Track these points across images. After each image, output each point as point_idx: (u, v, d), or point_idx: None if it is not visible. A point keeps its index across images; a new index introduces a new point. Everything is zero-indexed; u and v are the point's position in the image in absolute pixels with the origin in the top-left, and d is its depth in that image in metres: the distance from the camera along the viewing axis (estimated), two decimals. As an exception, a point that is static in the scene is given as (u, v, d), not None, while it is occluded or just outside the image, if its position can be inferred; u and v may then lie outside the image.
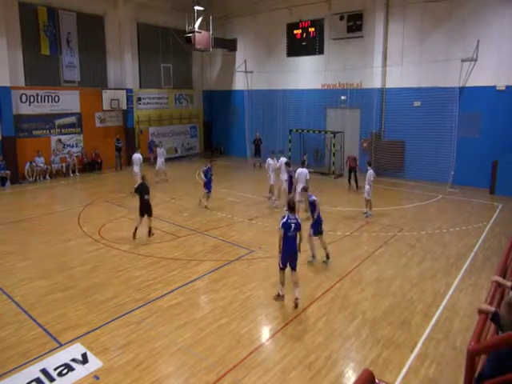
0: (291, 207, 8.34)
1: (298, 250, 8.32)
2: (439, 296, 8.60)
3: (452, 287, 9.01)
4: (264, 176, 21.32)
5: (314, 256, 10.41)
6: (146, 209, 12.20)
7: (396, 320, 7.65)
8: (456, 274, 9.70)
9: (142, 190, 12.15)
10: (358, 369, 6.32)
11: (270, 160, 16.00)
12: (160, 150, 20.38)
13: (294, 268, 8.30)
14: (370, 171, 13.98)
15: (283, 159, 15.86)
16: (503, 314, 3.48)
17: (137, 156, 18.03)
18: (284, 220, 8.16)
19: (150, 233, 12.33)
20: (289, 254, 8.21)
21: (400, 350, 6.73)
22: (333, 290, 8.88)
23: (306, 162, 14.84)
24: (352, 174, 18.56)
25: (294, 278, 8.27)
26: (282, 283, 8.44)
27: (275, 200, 15.64)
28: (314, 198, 10.48)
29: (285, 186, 15.13)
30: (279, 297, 8.50)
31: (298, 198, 13.39)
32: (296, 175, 14.05)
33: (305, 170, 13.94)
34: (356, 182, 18.42)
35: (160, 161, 19.98)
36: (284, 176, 15.27)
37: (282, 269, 8.33)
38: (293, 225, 8.14)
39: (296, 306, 8.11)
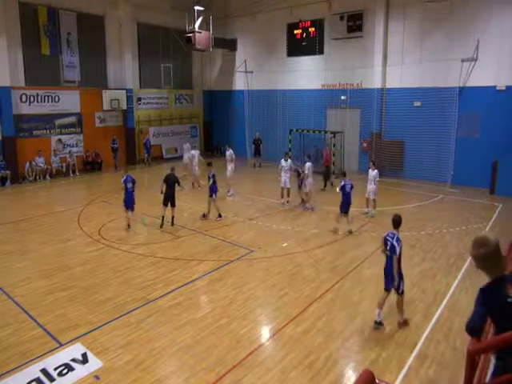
0: (395, 223, 7.37)
1: (393, 273, 7.25)
2: (439, 296, 8.61)
3: (452, 287, 9.02)
4: (263, 176, 21.35)
5: (349, 231, 12.50)
6: (170, 199, 13.00)
7: (396, 320, 7.63)
8: (456, 274, 9.71)
9: (168, 181, 12.97)
10: (358, 369, 6.32)
11: (283, 161, 15.67)
12: (195, 152, 19.15)
13: (395, 291, 7.45)
14: (376, 171, 14.03)
15: (308, 164, 15.01)
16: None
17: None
18: (384, 235, 7.47)
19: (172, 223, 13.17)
20: (386, 274, 7.45)
21: (400, 350, 6.73)
22: (333, 290, 8.89)
23: (311, 157, 15.77)
24: (326, 172, 18.70)
25: (397, 301, 7.48)
26: (379, 305, 7.44)
27: (287, 202, 15.67)
28: (343, 183, 12.64)
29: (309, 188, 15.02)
30: (377, 324, 7.40)
31: (309, 188, 14.85)
32: (306, 170, 14.78)
33: (310, 163, 15.00)
34: (329, 179, 18.67)
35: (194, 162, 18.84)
36: (310, 180, 14.94)
37: (385, 290, 7.47)
38: (389, 243, 7.24)
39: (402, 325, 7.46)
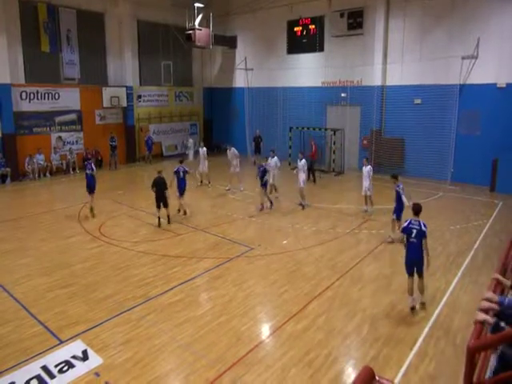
0: (416, 211, 7.84)
1: (423, 260, 7.62)
2: (439, 293, 8.61)
3: (452, 285, 9.02)
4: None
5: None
6: (162, 200, 12.99)
7: (396, 317, 7.66)
8: (456, 271, 9.71)
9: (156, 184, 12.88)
10: (358, 366, 6.33)
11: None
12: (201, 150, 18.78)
13: (419, 275, 7.78)
14: (369, 167, 13.95)
15: (302, 161, 14.94)
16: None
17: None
18: (405, 224, 7.80)
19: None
20: (411, 262, 7.74)
21: (400, 347, 6.74)
22: (333, 288, 8.89)
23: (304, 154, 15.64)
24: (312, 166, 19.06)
25: (419, 284, 7.85)
26: (409, 292, 7.84)
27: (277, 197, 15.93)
28: (399, 185, 11.40)
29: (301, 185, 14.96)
30: (412, 310, 7.82)
31: (302, 185, 14.69)
32: (300, 167, 14.72)
33: (304, 161, 14.91)
34: (314, 174, 19.16)
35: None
36: (303, 177, 14.85)
37: (409, 274, 7.81)
38: (414, 230, 7.59)
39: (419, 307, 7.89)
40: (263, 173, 14.52)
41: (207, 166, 18.37)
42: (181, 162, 14.25)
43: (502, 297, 3.85)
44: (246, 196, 16.80)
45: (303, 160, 14.92)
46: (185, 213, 14.04)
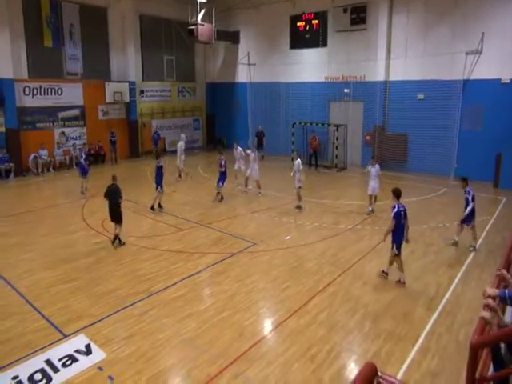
0: (398, 195, 8.79)
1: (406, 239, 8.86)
2: (442, 289, 8.61)
3: (455, 281, 9.02)
4: (266, 169, 21.38)
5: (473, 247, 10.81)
6: (114, 214, 11.04)
7: (398, 313, 7.66)
8: (459, 267, 9.70)
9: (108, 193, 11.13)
10: (360, 362, 6.34)
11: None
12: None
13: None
14: (377, 166, 13.76)
15: (298, 161, 14.49)
16: None
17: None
18: (396, 210, 8.63)
19: (115, 240, 10.99)
20: (398, 239, 8.76)
21: (402, 344, 6.75)
22: (335, 284, 8.90)
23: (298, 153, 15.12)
24: (313, 157, 21.35)
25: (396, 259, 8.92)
26: (401, 268, 8.85)
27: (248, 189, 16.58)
28: (469, 191, 10.67)
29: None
30: (402, 283, 8.82)
31: (298, 184, 14.08)
32: (296, 167, 14.20)
33: (299, 160, 14.35)
34: (316, 163, 21.19)
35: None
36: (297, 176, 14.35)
37: (399, 254, 8.83)
38: (402, 213, 8.67)
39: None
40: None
41: (183, 160, 18.83)
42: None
43: (502, 290, 3.90)
44: (248, 191, 16.77)
45: (298, 160, 14.30)
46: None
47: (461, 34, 17.91)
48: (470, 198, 10.54)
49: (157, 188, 13.85)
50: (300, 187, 14.14)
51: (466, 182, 10.83)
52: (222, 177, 15.22)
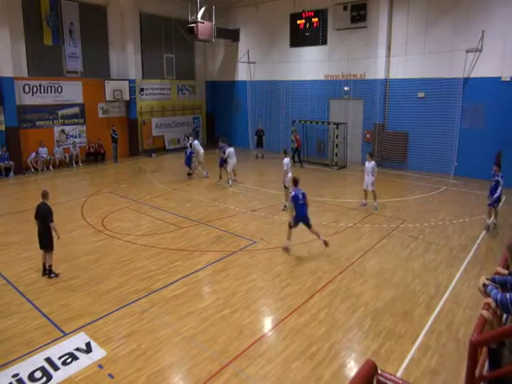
0: (296, 182, 10.53)
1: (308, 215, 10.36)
2: (442, 288, 8.61)
3: (455, 279, 9.02)
4: (266, 167, 21.44)
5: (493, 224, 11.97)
6: (41, 239, 9.09)
7: (398, 311, 7.67)
8: (459, 265, 9.70)
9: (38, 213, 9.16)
10: (360, 360, 6.35)
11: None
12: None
13: (309, 226, 10.33)
14: (373, 162, 13.92)
15: (286, 159, 14.21)
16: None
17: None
18: (293, 194, 10.22)
19: (46, 272, 9.17)
20: (301, 218, 10.24)
21: (402, 342, 6.76)
22: (335, 282, 8.91)
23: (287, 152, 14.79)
24: (296, 155, 21.49)
25: (313, 231, 10.37)
26: (289, 238, 10.44)
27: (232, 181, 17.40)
28: (498, 178, 11.56)
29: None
30: (286, 249, 10.43)
31: (287, 183, 13.55)
32: (285, 166, 13.89)
33: (288, 159, 14.08)
34: (300, 161, 21.54)
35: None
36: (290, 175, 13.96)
37: (292, 227, 10.39)
38: (300, 195, 10.20)
39: (327, 245, 10.33)
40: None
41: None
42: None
43: (495, 276, 4.06)
44: (248, 190, 16.79)
45: (286, 159, 14.00)
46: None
47: (461, 31, 17.89)
48: (502, 181, 11.50)
49: None
50: (286, 187, 13.81)
51: (499, 167, 11.87)
52: (221, 162, 17.64)
